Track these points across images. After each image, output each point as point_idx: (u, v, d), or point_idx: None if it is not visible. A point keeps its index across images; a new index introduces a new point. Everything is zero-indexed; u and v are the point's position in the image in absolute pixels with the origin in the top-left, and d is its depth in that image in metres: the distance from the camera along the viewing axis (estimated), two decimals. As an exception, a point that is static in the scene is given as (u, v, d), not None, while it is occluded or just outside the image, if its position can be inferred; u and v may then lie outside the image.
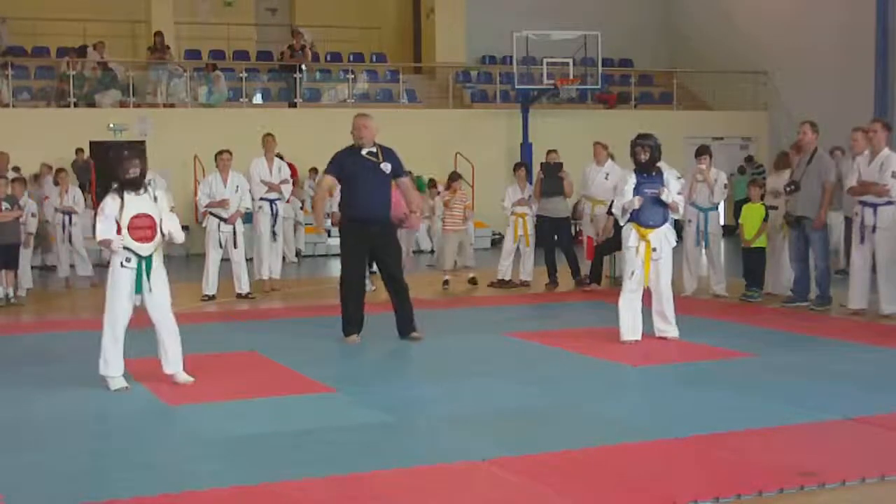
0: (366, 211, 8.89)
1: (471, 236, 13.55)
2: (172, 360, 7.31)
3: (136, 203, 7.15)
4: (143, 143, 17.46)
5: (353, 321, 9.08)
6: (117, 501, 4.72)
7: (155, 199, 7.25)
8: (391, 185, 9.13)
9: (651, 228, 8.67)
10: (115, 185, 7.25)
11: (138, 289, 7.14)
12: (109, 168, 7.34)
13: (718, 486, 4.83)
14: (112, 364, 7.14)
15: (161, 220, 7.23)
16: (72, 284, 13.83)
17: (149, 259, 7.16)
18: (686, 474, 5.10)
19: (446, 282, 13.06)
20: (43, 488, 4.99)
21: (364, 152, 8.91)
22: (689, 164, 13.23)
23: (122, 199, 7.13)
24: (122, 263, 7.10)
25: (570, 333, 9.45)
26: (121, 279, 7.13)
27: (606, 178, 12.80)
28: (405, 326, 9.16)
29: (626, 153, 9.04)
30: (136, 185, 7.18)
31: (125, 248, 7.09)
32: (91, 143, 18.92)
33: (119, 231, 7.10)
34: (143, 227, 7.13)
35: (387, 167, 8.98)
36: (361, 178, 8.85)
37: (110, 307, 7.17)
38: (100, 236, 7.18)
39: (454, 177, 13.50)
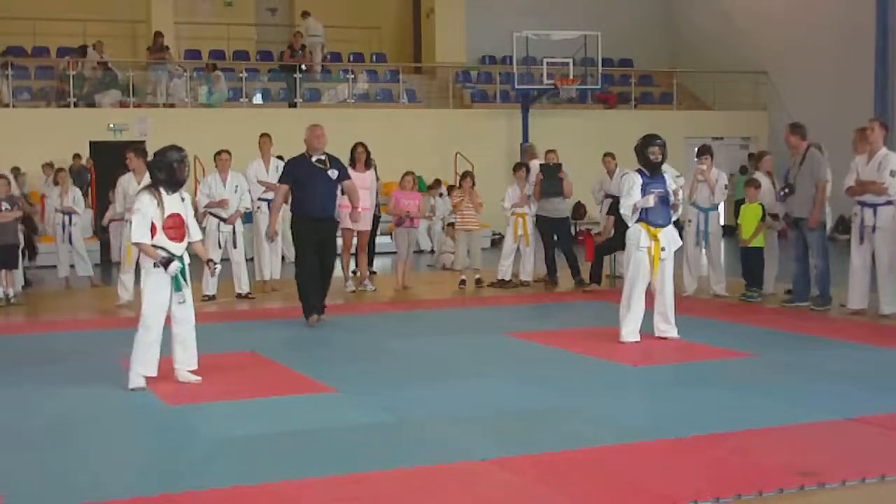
0: (315, 210, 9.97)
1: (479, 238, 13.47)
2: (192, 356, 7.35)
3: (170, 202, 7.18)
4: (143, 143, 17.48)
5: (311, 304, 10.06)
6: (117, 501, 4.72)
7: (182, 199, 7.28)
8: (337, 188, 10.26)
9: (660, 228, 8.68)
10: (149, 183, 7.26)
11: (178, 287, 7.16)
12: (161, 167, 7.19)
13: (718, 486, 4.84)
14: (147, 363, 7.12)
15: (188, 219, 7.29)
16: (72, 284, 13.83)
17: (181, 258, 7.20)
18: (686, 474, 5.10)
19: (463, 282, 13.06)
20: (43, 488, 4.99)
21: (314, 160, 10.06)
22: (689, 164, 13.27)
23: (159, 197, 7.13)
24: (171, 259, 7.08)
25: (570, 333, 9.45)
26: (158, 279, 7.12)
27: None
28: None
29: (625, 153, 9.04)
30: (180, 185, 7.21)
31: (159, 247, 7.10)
32: (91, 143, 18.94)
33: (154, 231, 7.10)
34: (175, 226, 7.17)
35: (333, 173, 10.11)
36: (311, 183, 9.99)
37: (149, 307, 7.15)
38: (136, 238, 7.13)
39: (464, 176, 13.49)
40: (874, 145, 10.00)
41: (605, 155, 13.45)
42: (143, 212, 7.10)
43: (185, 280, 7.22)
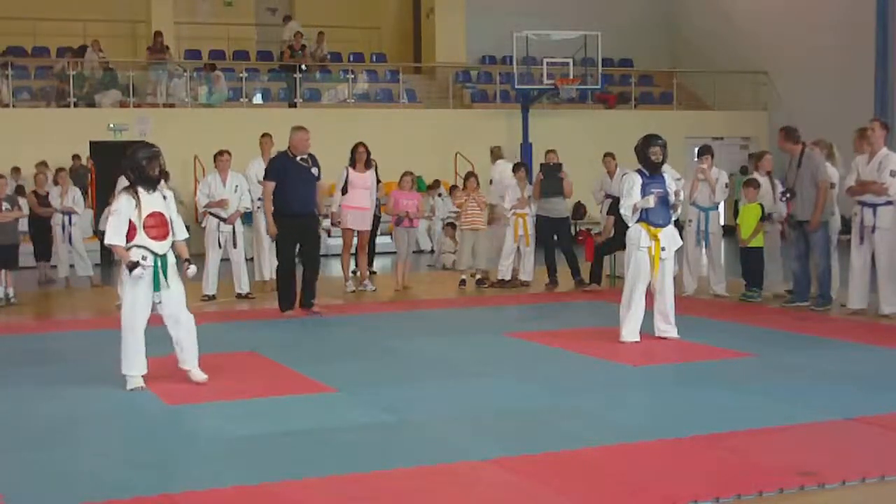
0: (298, 206, 10.37)
1: (484, 237, 13.45)
2: (190, 356, 7.32)
3: (149, 201, 7.15)
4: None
5: (288, 298, 10.54)
6: (117, 501, 4.72)
7: (164, 197, 7.27)
8: (316, 185, 10.68)
9: (660, 228, 8.67)
10: (128, 184, 7.23)
11: (156, 287, 7.13)
12: (131, 166, 7.18)
13: (718, 486, 4.83)
14: (135, 363, 7.12)
15: (171, 218, 7.25)
16: (72, 284, 13.83)
17: (164, 257, 7.17)
18: (686, 474, 5.10)
19: (463, 281, 13.06)
20: (43, 488, 4.99)
21: (298, 159, 10.47)
22: (689, 164, 13.26)
23: (137, 197, 7.12)
24: (139, 263, 7.06)
25: (570, 333, 9.44)
26: (138, 280, 7.08)
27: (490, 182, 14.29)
28: (308, 300, 10.60)
29: (625, 153, 9.03)
30: (155, 183, 7.19)
31: (141, 246, 7.07)
32: (91, 143, 18.94)
33: (133, 231, 7.08)
34: (157, 225, 7.14)
35: (315, 171, 10.55)
36: (295, 181, 10.39)
37: (128, 306, 7.15)
38: (110, 240, 7.11)
39: (468, 176, 13.49)
40: (874, 145, 9.99)
41: (606, 155, 13.45)
42: (119, 212, 7.10)
43: (165, 280, 7.17)
